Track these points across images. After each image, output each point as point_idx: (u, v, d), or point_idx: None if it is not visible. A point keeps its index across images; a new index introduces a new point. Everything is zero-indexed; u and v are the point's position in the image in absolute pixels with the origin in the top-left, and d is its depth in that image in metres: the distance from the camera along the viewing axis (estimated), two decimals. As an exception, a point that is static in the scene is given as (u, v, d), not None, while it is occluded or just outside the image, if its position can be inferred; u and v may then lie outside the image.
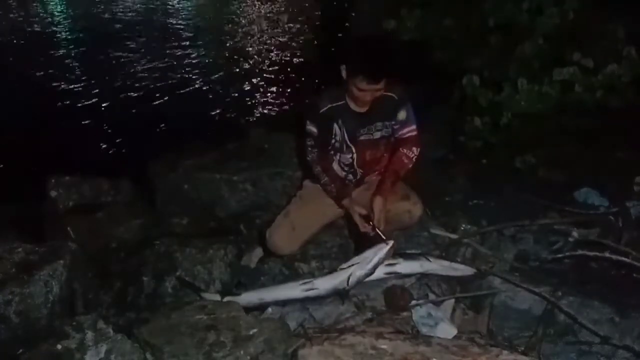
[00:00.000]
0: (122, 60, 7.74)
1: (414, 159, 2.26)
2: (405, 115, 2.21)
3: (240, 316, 1.96)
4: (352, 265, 2.14)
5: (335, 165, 2.34)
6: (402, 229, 2.44)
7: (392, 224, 2.29)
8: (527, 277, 2.10)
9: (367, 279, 2.13)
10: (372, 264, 2.10)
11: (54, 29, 9.95)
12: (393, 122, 2.24)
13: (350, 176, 2.39)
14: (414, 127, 2.25)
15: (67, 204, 3.21)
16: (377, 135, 2.26)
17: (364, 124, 2.22)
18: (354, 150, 2.28)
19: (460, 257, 2.44)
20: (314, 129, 2.21)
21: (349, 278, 2.09)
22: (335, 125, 2.21)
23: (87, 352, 1.77)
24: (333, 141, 2.25)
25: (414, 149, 2.26)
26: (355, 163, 2.33)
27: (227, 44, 9.00)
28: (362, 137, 2.25)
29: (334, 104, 2.17)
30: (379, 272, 2.17)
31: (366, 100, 2.10)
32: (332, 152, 2.31)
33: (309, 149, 2.26)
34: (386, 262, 2.21)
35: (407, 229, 2.49)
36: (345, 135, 2.23)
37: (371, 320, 2.05)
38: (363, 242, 2.45)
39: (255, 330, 1.85)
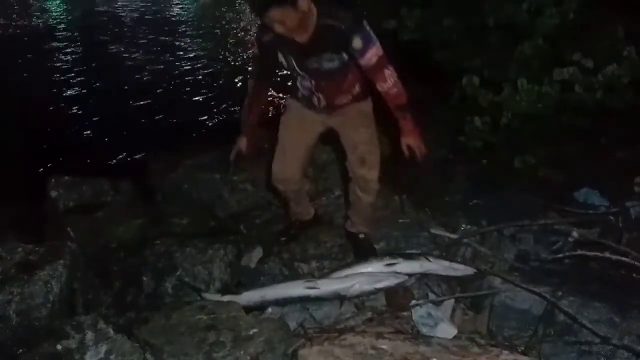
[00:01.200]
0: (122, 59, 7.75)
1: (396, 82, 2.11)
2: (362, 43, 2.04)
3: (240, 316, 1.97)
4: (360, 273, 2.15)
5: (298, 85, 2.33)
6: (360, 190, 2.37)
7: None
8: (527, 277, 2.10)
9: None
10: (379, 285, 2.12)
11: (54, 27, 9.95)
12: (350, 54, 2.10)
13: (315, 98, 2.31)
14: (374, 49, 2.05)
15: (67, 204, 3.21)
16: (329, 65, 2.15)
17: (309, 54, 2.12)
18: (309, 77, 2.23)
19: (460, 257, 2.44)
20: (256, 51, 2.31)
21: (352, 286, 2.10)
22: (280, 54, 2.19)
23: (87, 352, 1.78)
24: (285, 64, 2.22)
25: (387, 72, 2.09)
26: (314, 89, 2.27)
27: (229, 44, 9.00)
28: (311, 67, 2.17)
29: (272, 32, 2.07)
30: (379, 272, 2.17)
31: (285, 29, 1.98)
32: (291, 75, 2.31)
33: (251, 72, 2.32)
34: (386, 262, 2.22)
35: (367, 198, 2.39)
36: (293, 63, 2.18)
37: (371, 320, 2.06)
38: (362, 246, 2.46)
39: (255, 330, 1.86)
